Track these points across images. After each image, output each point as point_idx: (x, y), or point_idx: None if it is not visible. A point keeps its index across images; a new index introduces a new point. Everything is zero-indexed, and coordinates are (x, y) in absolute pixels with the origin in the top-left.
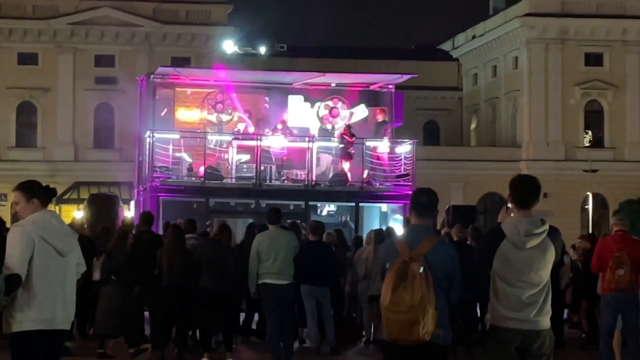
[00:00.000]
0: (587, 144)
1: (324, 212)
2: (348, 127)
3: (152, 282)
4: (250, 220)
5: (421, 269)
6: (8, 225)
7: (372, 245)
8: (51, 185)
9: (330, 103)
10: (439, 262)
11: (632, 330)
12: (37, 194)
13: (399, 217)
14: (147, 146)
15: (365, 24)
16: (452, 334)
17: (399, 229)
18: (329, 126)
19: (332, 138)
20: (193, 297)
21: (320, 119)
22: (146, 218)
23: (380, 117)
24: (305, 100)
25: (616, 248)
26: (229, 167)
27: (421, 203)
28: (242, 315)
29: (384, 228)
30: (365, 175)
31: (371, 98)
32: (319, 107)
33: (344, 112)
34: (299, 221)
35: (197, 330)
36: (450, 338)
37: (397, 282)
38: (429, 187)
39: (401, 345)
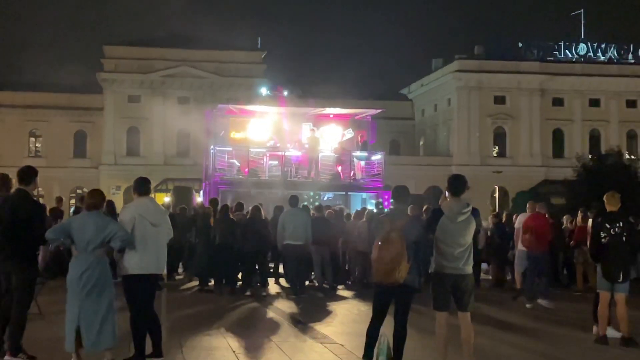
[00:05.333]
0: (495, 155)
1: (325, 198)
2: (340, 143)
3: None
4: (277, 204)
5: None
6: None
7: (366, 219)
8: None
9: (330, 127)
10: (411, 232)
11: (539, 274)
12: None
13: (373, 201)
14: (211, 155)
15: (352, 75)
16: (419, 280)
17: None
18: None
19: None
20: (237, 253)
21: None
22: (216, 202)
23: (361, 139)
24: (313, 125)
25: (529, 221)
26: (264, 169)
27: (400, 194)
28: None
29: (365, 207)
30: (352, 175)
31: (356, 124)
32: (323, 130)
33: (338, 133)
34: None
35: (241, 275)
36: (418, 283)
37: (382, 244)
38: (404, 185)
39: (384, 285)
